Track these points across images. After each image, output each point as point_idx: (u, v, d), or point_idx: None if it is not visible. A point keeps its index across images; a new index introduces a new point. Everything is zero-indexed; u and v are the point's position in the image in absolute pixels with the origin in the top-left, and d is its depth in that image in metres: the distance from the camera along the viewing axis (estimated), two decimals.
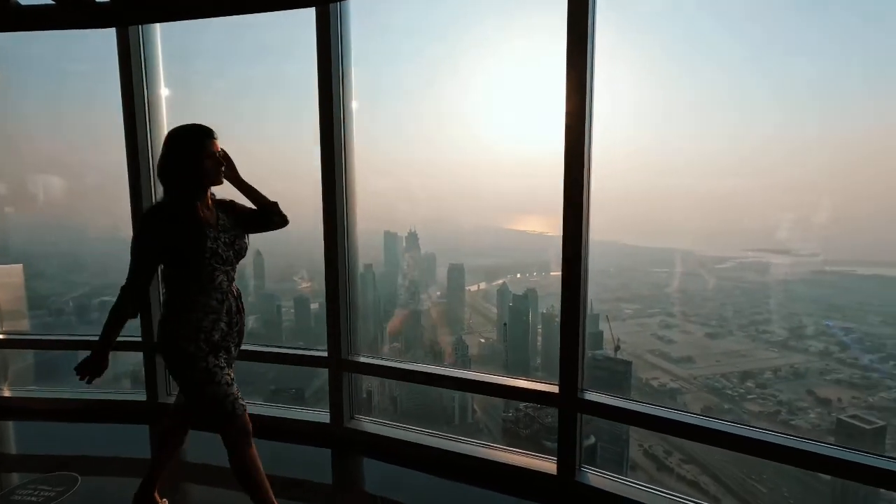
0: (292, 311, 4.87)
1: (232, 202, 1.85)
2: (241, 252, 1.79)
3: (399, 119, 3.82)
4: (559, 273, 2.24)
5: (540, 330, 4.18)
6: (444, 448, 2.32)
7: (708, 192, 3.05)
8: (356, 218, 2.52)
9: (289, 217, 2.00)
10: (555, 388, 2.14)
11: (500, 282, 4.26)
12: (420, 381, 2.42)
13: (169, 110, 2.71)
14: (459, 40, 3.49)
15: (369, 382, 4.43)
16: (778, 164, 2.80)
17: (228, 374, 1.75)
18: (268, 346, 2.84)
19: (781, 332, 3.51)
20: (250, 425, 1.72)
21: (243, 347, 1.88)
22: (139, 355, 2.82)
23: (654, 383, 3.88)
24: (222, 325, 1.74)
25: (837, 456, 1.81)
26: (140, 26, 2.64)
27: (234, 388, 1.72)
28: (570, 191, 2.04)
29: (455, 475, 2.28)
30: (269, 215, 1.88)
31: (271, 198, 1.90)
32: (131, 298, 1.67)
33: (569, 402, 2.10)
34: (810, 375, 3.46)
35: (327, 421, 2.52)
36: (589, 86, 2.00)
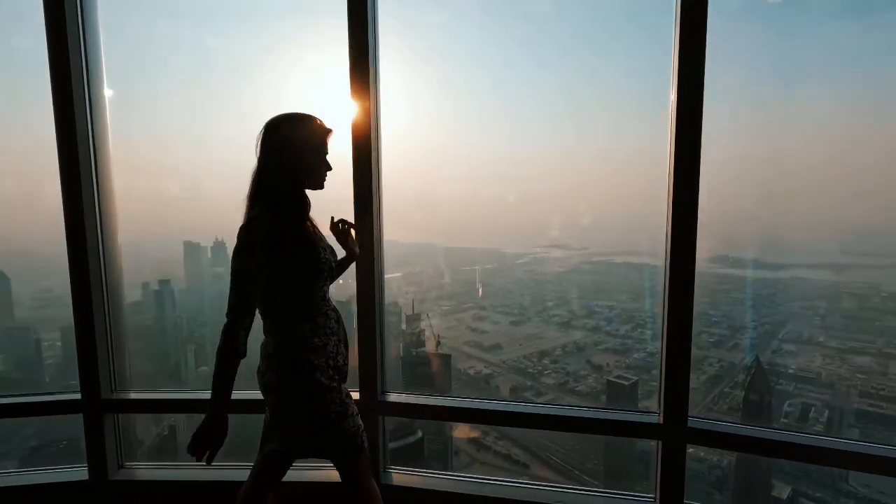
0: (58, 344, 3.92)
1: None
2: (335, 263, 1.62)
3: (193, 116, 3.38)
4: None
5: None
6: (229, 479, 2.10)
7: (498, 195, 3.43)
8: (116, 226, 2.11)
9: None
10: (356, 395, 2.12)
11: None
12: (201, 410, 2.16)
13: None
14: (255, 35, 3.25)
15: (173, 418, 3.83)
16: (547, 173, 3.31)
17: (355, 403, 1.59)
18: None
19: (565, 314, 4.16)
20: None
21: None
22: None
23: (471, 371, 4.23)
24: (342, 346, 1.57)
25: (593, 417, 2.19)
26: None
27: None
28: (360, 198, 2.05)
29: None
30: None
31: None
32: (243, 334, 1.38)
33: (367, 406, 2.11)
34: (588, 348, 4.18)
35: (85, 477, 2.07)
36: (374, 94, 2.03)
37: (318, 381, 1.45)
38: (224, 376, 1.40)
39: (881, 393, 3.39)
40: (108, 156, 2.03)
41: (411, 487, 2.18)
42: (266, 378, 1.47)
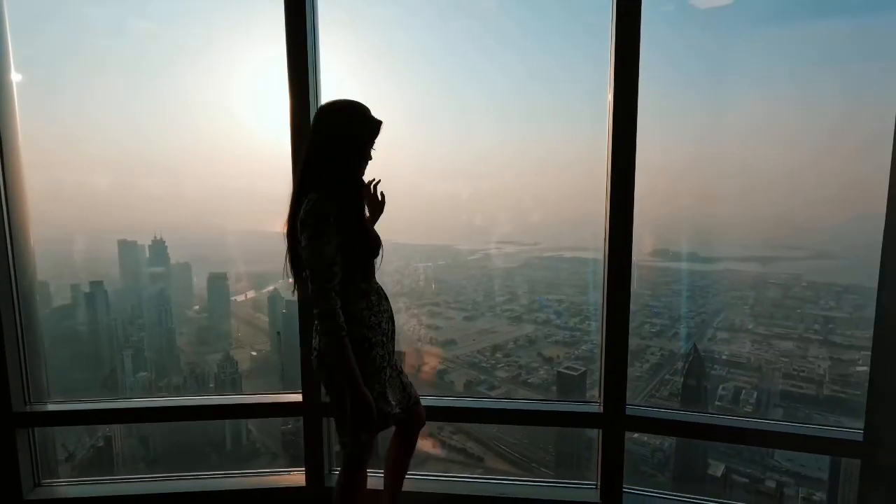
0: None
1: None
2: None
3: (127, 104, 3.17)
4: None
5: None
6: (168, 491, 2.00)
7: (451, 191, 3.44)
8: (28, 224, 1.94)
9: None
10: (298, 397, 2.08)
11: (271, 288, 3.99)
12: (137, 419, 2.04)
13: None
14: (197, 19, 3.09)
15: (109, 428, 3.62)
16: (497, 170, 3.35)
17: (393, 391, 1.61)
18: None
19: (518, 309, 4.25)
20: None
21: None
22: None
23: (426, 368, 4.24)
24: (391, 324, 1.60)
25: (537, 409, 2.24)
26: None
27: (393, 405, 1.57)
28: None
29: None
30: None
31: None
32: (339, 311, 1.39)
33: (312, 409, 2.07)
34: (539, 341, 4.28)
35: None
36: (313, 87, 1.97)
37: (373, 357, 1.49)
38: (349, 356, 1.41)
39: (801, 374, 3.69)
40: (16, 147, 1.84)
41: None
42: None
